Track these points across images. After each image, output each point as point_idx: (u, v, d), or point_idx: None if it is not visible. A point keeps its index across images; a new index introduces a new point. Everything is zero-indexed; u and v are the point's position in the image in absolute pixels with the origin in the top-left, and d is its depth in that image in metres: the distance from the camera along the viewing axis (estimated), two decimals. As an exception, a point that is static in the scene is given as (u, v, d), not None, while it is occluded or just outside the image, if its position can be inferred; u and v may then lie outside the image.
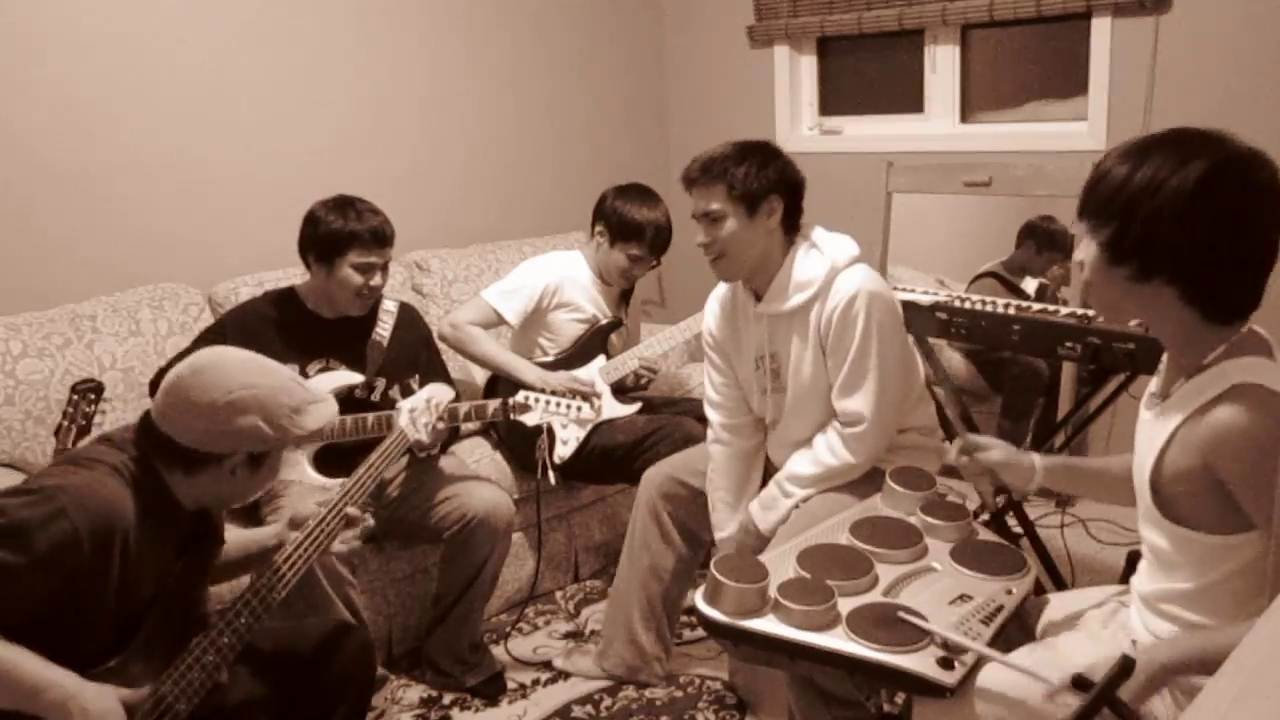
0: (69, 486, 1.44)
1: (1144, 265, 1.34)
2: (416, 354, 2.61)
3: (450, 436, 2.62)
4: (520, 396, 2.37)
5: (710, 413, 2.39)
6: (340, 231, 2.39)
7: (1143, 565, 1.49)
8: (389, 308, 2.58)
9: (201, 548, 1.67)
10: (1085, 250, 1.41)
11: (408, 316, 2.63)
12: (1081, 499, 3.16)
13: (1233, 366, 1.33)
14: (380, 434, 2.39)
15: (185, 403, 1.53)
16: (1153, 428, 1.42)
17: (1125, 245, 1.35)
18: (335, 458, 2.41)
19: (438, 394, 2.30)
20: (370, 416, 2.39)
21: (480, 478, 2.61)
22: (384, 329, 2.55)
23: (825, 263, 2.13)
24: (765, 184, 2.12)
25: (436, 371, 2.65)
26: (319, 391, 1.68)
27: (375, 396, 2.51)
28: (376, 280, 2.45)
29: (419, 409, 2.21)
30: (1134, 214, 1.33)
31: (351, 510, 1.80)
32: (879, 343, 2.10)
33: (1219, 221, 1.30)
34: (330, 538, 1.77)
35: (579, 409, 2.36)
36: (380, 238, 2.43)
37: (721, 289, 2.36)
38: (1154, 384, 1.50)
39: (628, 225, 2.86)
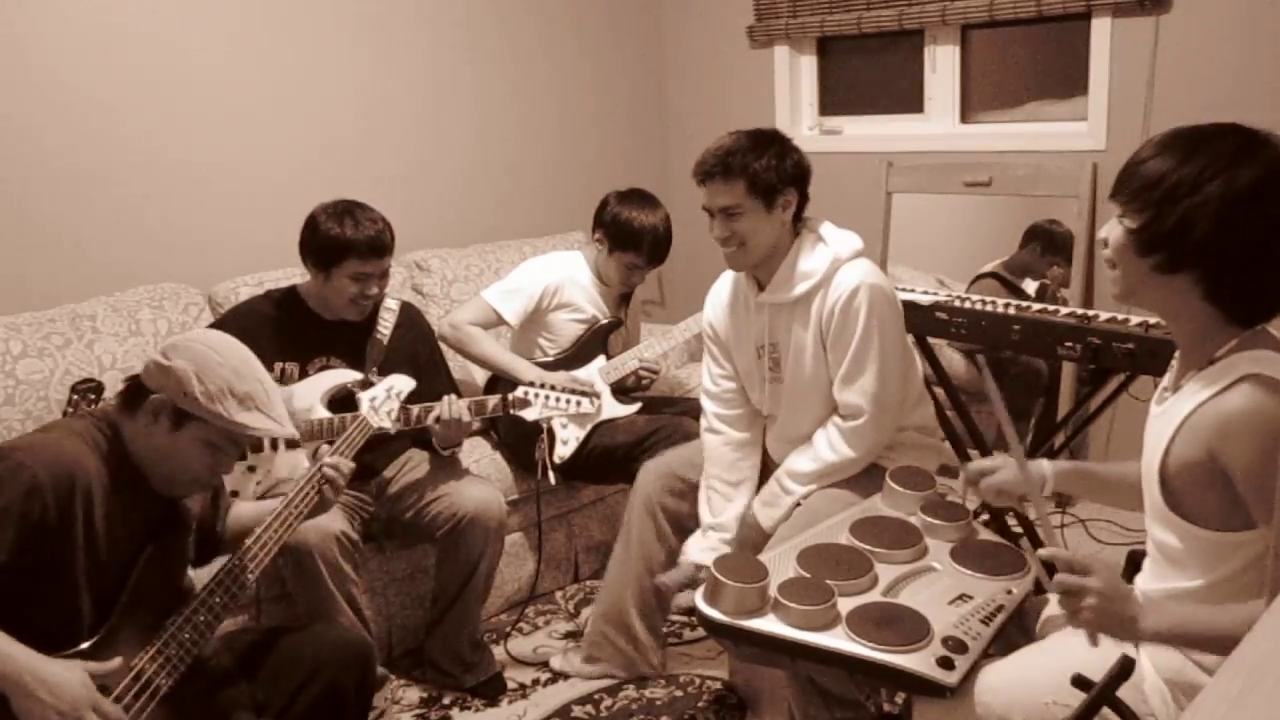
0: (25, 445, 1.52)
1: (1172, 258, 1.33)
2: (416, 353, 2.61)
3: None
4: (520, 392, 2.38)
5: (706, 403, 2.39)
6: (338, 240, 2.37)
7: (1148, 563, 1.48)
8: (390, 306, 2.58)
9: (172, 535, 1.68)
10: (1112, 230, 1.40)
11: (409, 315, 2.63)
12: (1082, 499, 3.16)
13: (1243, 359, 1.33)
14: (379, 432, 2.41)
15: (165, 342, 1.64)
16: (1161, 421, 1.42)
17: (1157, 236, 1.33)
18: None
19: (398, 383, 2.33)
20: (370, 416, 2.39)
21: (472, 475, 2.60)
22: (384, 327, 2.55)
23: (829, 254, 2.13)
24: (784, 176, 2.12)
25: (437, 370, 2.65)
26: (283, 414, 1.66)
27: (375, 396, 2.51)
28: (373, 290, 2.44)
29: (379, 397, 2.26)
30: (1172, 207, 1.31)
31: (328, 490, 1.86)
32: (880, 336, 2.10)
33: (1261, 229, 1.29)
34: (299, 519, 1.81)
35: (578, 403, 2.36)
36: (377, 248, 2.40)
37: (722, 281, 2.36)
38: (1166, 380, 1.50)
39: (626, 234, 2.85)
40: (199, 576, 1.98)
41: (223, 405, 1.57)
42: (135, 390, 1.60)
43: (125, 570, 1.58)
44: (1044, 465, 1.71)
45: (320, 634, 1.89)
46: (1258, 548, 1.31)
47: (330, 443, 2.02)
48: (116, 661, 1.49)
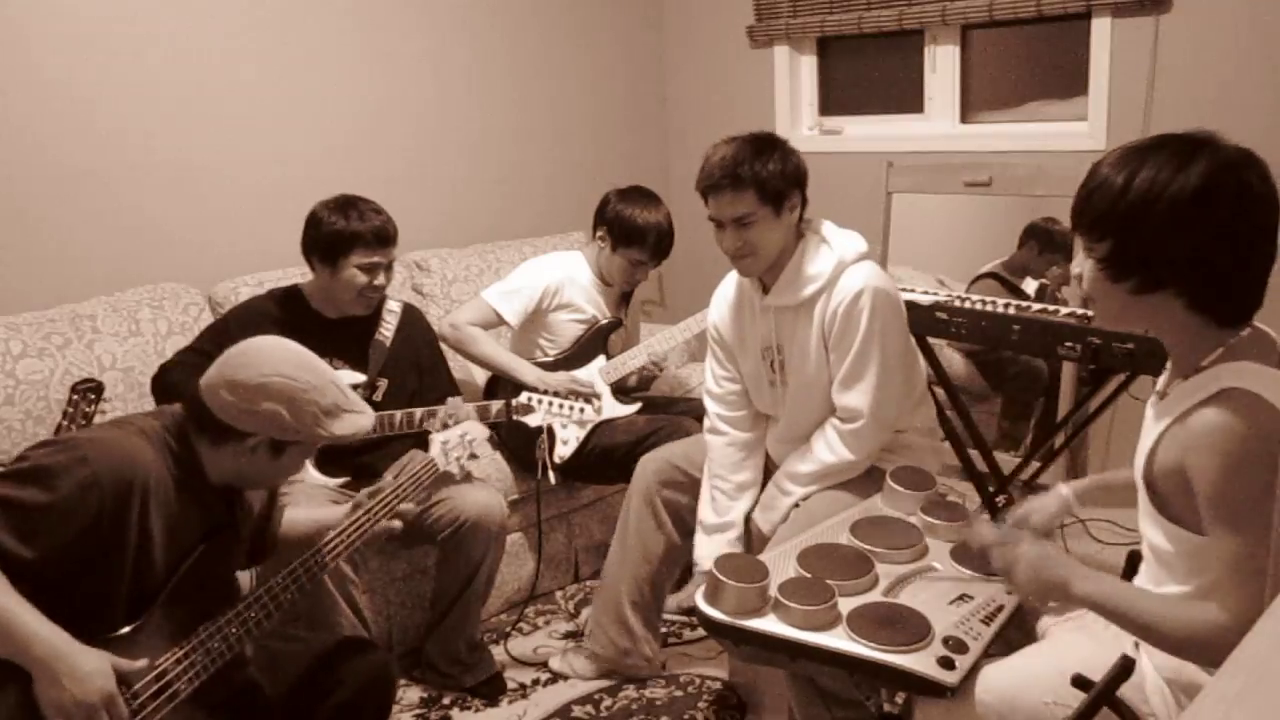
0: (93, 439, 1.52)
1: (1146, 278, 1.34)
2: (419, 355, 2.61)
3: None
4: (524, 398, 2.38)
5: (709, 404, 2.39)
6: (343, 232, 2.39)
7: (1144, 567, 1.48)
8: (393, 308, 2.59)
9: (226, 537, 1.67)
10: (1083, 265, 1.40)
11: (411, 317, 2.64)
12: (1106, 508, 3.14)
13: (1226, 370, 1.32)
14: (382, 435, 2.40)
15: (223, 376, 1.59)
16: (1149, 425, 1.43)
17: (1125, 261, 1.34)
18: (335, 457, 2.42)
19: (473, 430, 2.24)
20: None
21: (473, 478, 2.60)
22: (387, 329, 2.56)
23: (833, 257, 2.13)
24: (789, 180, 2.11)
25: (439, 372, 2.65)
26: (358, 401, 1.68)
27: (377, 396, 2.51)
28: (380, 280, 2.45)
29: (452, 442, 2.17)
30: (1133, 229, 1.32)
31: (379, 526, 1.83)
32: (881, 340, 2.10)
33: (1221, 227, 1.29)
34: (348, 550, 1.79)
35: (581, 410, 2.36)
36: (383, 237, 2.43)
37: (727, 283, 2.36)
38: (1160, 382, 1.50)
39: (630, 231, 2.85)
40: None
41: (321, 427, 1.60)
42: (212, 424, 1.58)
43: (174, 567, 1.58)
44: (1063, 490, 1.72)
45: (344, 651, 1.84)
46: (1233, 552, 1.27)
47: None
48: (142, 663, 1.49)
